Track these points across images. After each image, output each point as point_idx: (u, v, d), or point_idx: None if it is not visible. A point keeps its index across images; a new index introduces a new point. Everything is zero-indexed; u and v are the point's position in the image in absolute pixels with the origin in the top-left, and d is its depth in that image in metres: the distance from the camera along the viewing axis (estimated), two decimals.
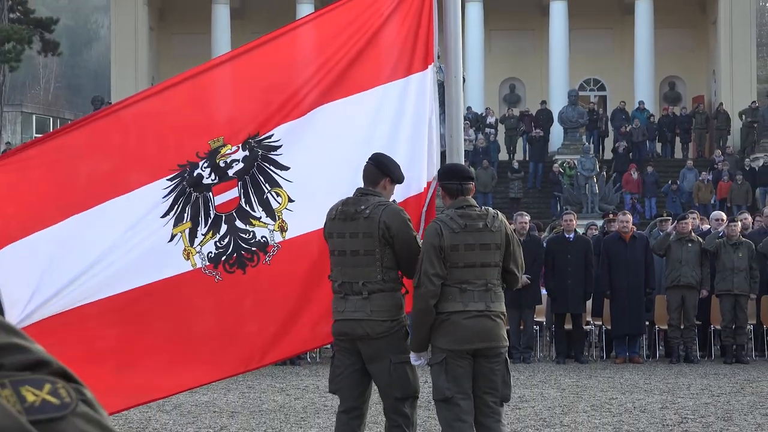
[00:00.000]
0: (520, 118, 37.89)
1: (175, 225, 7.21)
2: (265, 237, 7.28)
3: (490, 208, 7.41)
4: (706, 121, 39.03)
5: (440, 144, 7.68)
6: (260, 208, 7.30)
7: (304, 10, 38.68)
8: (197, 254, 7.20)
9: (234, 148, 7.30)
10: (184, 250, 7.19)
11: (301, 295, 7.38)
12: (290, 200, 7.31)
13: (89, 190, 7.35)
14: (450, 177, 7.19)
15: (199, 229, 7.22)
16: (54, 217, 7.21)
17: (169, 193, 7.21)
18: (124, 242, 7.22)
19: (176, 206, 7.21)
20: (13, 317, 7.17)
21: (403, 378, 7.19)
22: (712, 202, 30.56)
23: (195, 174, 7.25)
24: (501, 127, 37.51)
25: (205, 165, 7.26)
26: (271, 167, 7.34)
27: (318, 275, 7.49)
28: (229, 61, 7.92)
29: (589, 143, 35.23)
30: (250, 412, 12.03)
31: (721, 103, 40.04)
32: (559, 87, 41.12)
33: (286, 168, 7.32)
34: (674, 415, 11.70)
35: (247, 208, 7.30)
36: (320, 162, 7.42)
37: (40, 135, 45.07)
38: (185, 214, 7.22)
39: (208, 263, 7.20)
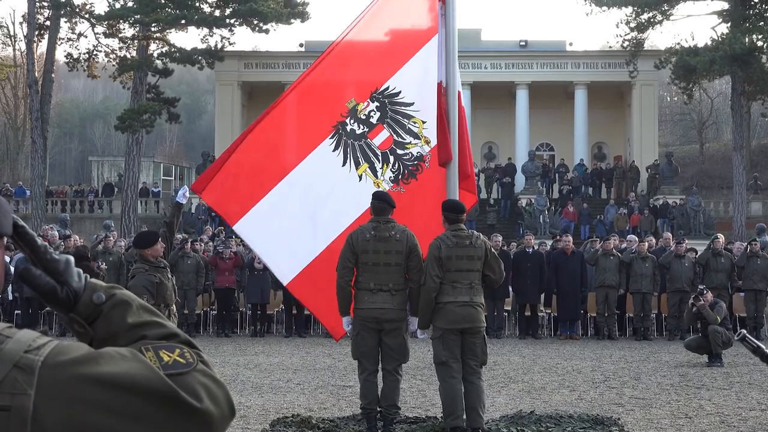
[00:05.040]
0: (495, 169, 37.79)
1: (357, 168, 7.32)
2: (420, 152, 7.45)
3: (475, 231, 7.43)
4: (623, 173, 38.91)
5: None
6: (408, 136, 7.45)
7: None
8: (383, 181, 7.34)
9: (366, 103, 7.43)
10: (374, 182, 7.34)
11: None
12: (423, 122, 7.47)
13: (288, 154, 7.43)
14: (450, 210, 7.19)
15: (376, 165, 7.35)
16: (267, 186, 7.27)
17: (336, 148, 7.33)
18: (327, 193, 7.32)
19: (348, 155, 7.33)
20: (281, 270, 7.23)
21: (406, 348, 7.31)
22: (627, 228, 30.31)
23: (348, 129, 7.36)
24: (482, 176, 37.43)
25: (352, 121, 7.39)
26: (402, 108, 7.46)
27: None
28: (333, 51, 7.61)
29: (542, 187, 35.18)
30: (307, 369, 12.03)
31: (633, 161, 39.82)
32: (522, 148, 40.96)
33: (411, 104, 7.47)
34: (600, 375, 11.65)
35: (400, 140, 7.44)
36: (426, 92, 7.45)
37: (165, 178, 45.59)
38: (359, 159, 7.34)
39: (392, 184, 7.40)
